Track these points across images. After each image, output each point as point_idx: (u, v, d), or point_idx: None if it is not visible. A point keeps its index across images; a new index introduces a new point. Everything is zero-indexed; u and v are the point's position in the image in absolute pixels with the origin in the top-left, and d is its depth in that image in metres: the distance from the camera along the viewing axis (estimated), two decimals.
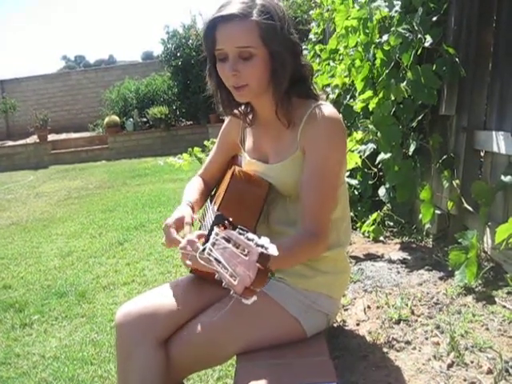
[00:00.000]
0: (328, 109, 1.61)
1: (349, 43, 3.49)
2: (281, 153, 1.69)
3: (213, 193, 2.01)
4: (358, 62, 3.35)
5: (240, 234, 1.08)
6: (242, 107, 1.76)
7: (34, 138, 14.42)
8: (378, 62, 3.08)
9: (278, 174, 1.70)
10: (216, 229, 1.19)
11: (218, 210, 1.64)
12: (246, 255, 1.02)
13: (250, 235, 1.06)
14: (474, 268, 2.24)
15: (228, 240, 1.10)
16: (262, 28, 1.50)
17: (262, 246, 1.02)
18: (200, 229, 1.86)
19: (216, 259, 1.11)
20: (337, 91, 3.99)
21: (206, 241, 1.20)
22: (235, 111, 1.76)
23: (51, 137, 14.47)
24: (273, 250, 1.02)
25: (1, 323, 3.37)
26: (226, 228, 1.20)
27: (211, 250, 1.14)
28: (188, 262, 1.51)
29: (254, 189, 1.71)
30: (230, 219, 1.20)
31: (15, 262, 4.72)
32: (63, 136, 15.24)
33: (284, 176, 1.68)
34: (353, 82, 3.74)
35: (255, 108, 1.75)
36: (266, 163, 1.74)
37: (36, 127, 13.87)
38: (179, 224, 1.68)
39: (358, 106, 3.38)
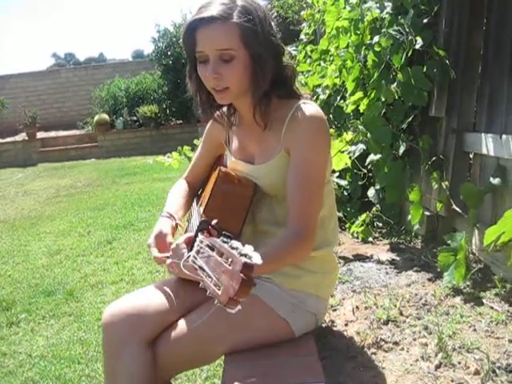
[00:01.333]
0: (310, 108, 1.61)
1: (340, 44, 3.50)
2: (266, 153, 1.69)
3: (199, 192, 2.00)
4: (349, 63, 3.36)
5: (224, 241, 1.07)
6: (225, 109, 1.76)
7: (22, 136, 14.33)
8: (369, 63, 3.09)
9: (263, 175, 1.69)
10: (200, 236, 1.18)
11: (203, 211, 1.63)
12: (229, 265, 1.01)
13: (234, 243, 1.05)
14: (462, 269, 2.25)
15: (212, 248, 1.09)
16: (242, 30, 1.49)
17: (246, 255, 1.01)
18: (187, 229, 1.86)
19: (200, 267, 1.10)
20: (327, 92, 4.00)
21: (191, 248, 1.20)
22: (216, 113, 1.75)
23: (40, 134, 14.38)
24: (256, 259, 1.01)
25: None
26: (210, 234, 1.19)
27: (195, 258, 1.14)
28: (171, 270, 1.52)
29: (239, 189, 1.70)
30: (215, 223, 1.20)
31: (2, 260, 4.69)
32: (52, 134, 15.14)
33: (269, 176, 1.68)
34: (343, 82, 3.75)
35: (237, 109, 1.74)
36: (252, 164, 1.73)
37: (25, 125, 13.77)
38: (160, 240, 1.69)
39: (348, 108, 3.38)
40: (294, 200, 1.57)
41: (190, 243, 1.41)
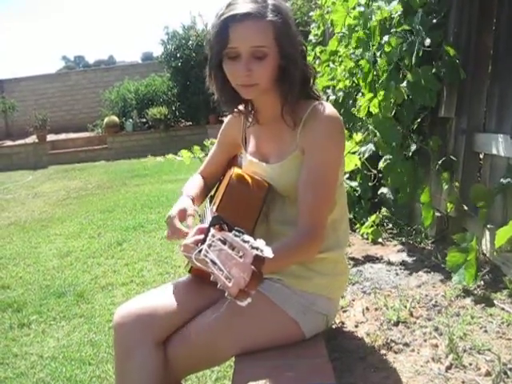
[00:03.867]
0: (327, 108, 1.62)
1: (352, 43, 3.47)
2: (281, 153, 1.69)
3: (212, 193, 2.01)
4: (363, 63, 3.32)
5: (236, 235, 1.08)
6: (243, 106, 1.76)
7: (33, 138, 14.40)
8: (380, 63, 3.08)
9: (277, 174, 1.70)
10: (212, 230, 1.19)
11: (216, 210, 1.63)
12: (240, 257, 1.02)
13: (246, 237, 1.06)
14: (472, 270, 2.24)
15: (224, 242, 1.11)
16: (276, 28, 1.51)
17: (257, 249, 1.02)
18: None
19: (212, 260, 1.11)
20: (340, 94, 3.97)
21: (203, 242, 1.20)
22: (239, 107, 1.76)
23: (50, 137, 14.46)
24: (268, 253, 1.02)
25: None
26: (222, 229, 1.20)
27: (207, 252, 1.14)
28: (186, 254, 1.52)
29: (253, 190, 1.71)
30: (227, 221, 1.20)
31: (14, 262, 4.71)
32: (62, 136, 15.23)
33: (283, 176, 1.68)
34: (353, 84, 3.74)
35: (257, 107, 1.74)
36: (267, 163, 1.74)
37: (35, 127, 13.84)
38: (182, 215, 1.69)
39: (361, 110, 3.33)
40: (305, 199, 1.58)
41: (201, 233, 1.41)
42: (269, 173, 1.72)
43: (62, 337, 3.07)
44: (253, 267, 1.00)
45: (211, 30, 1.58)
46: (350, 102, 3.89)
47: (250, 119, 1.79)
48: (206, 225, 1.43)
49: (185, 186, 1.93)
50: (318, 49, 4.84)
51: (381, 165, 3.24)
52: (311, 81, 1.68)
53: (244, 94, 1.62)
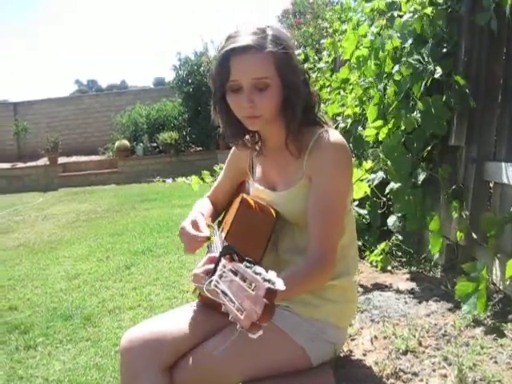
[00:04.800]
0: (333, 135, 1.62)
1: (365, 73, 3.49)
2: (288, 180, 1.70)
3: (220, 218, 2.01)
4: (372, 92, 3.35)
5: (247, 267, 1.08)
6: (249, 136, 1.77)
7: (44, 161, 14.55)
8: (389, 91, 3.10)
9: (285, 202, 1.70)
10: (223, 260, 1.19)
11: (225, 237, 1.63)
12: (253, 290, 1.02)
13: (258, 269, 1.06)
14: (483, 300, 2.22)
15: (235, 273, 1.10)
16: (276, 58, 1.51)
17: (269, 281, 1.01)
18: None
19: (223, 291, 1.11)
20: (349, 121, 4.00)
21: (213, 272, 1.20)
22: (244, 140, 1.77)
23: (61, 159, 14.59)
24: (279, 285, 1.02)
25: (5, 345, 3.35)
26: (233, 260, 1.19)
27: (218, 282, 1.14)
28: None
29: (262, 217, 1.71)
30: (238, 251, 1.20)
31: (22, 284, 4.71)
32: (73, 159, 15.35)
33: (291, 204, 1.68)
34: (363, 111, 3.75)
35: (263, 136, 1.75)
36: (274, 191, 1.74)
37: (47, 150, 14.00)
38: (195, 227, 1.67)
39: (369, 133, 3.36)
40: (314, 227, 1.58)
41: (211, 263, 1.41)
42: (276, 200, 1.72)
43: (68, 360, 3.05)
44: (265, 300, 0.99)
45: (212, 64, 1.60)
46: (359, 127, 3.91)
47: (257, 148, 1.80)
48: (215, 254, 1.42)
49: (195, 205, 1.94)
50: (328, 76, 4.87)
51: (388, 190, 3.24)
52: (316, 107, 1.68)
53: (249, 126, 1.63)
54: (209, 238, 1.62)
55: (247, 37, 1.51)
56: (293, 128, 1.61)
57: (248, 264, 1.09)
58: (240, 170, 1.95)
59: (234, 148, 1.95)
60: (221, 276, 1.14)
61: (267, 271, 1.05)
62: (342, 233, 1.68)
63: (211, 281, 1.17)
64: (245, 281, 1.05)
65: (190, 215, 1.76)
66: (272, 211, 1.72)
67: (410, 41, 2.98)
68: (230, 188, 2.02)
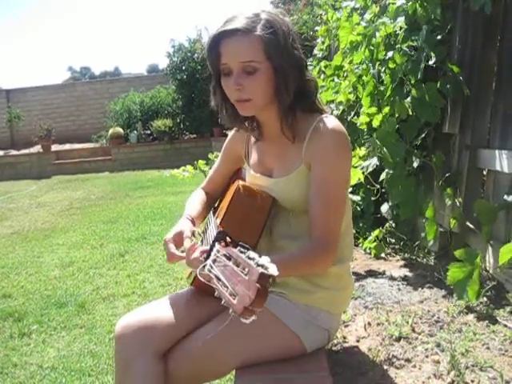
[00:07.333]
0: (332, 122, 1.62)
1: (354, 59, 3.50)
2: (285, 167, 1.69)
3: (216, 205, 2.01)
4: (365, 78, 3.35)
5: (241, 252, 1.08)
6: (247, 122, 1.77)
7: (37, 148, 14.49)
8: (386, 79, 3.09)
9: (281, 189, 1.70)
10: (217, 245, 1.19)
11: (220, 224, 1.63)
12: (246, 274, 1.02)
13: (251, 254, 1.06)
14: (476, 287, 2.23)
15: (229, 258, 1.10)
16: (265, 42, 1.50)
17: (263, 266, 1.01)
18: (202, 242, 1.86)
19: (216, 276, 1.11)
20: (341, 108, 4.00)
21: (207, 257, 1.20)
22: (243, 124, 1.76)
23: (55, 147, 14.53)
24: (273, 270, 1.02)
25: None
26: (227, 245, 1.20)
27: (212, 267, 1.14)
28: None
29: (257, 203, 1.71)
30: (232, 237, 1.20)
31: (16, 271, 4.71)
32: (67, 146, 15.30)
33: (288, 190, 1.68)
34: (357, 98, 3.75)
35: (260, 122, 1.75)
36: (270, 177, 1.74)
37: (40, 137, 13.94)
38: (179, 239, 1.68)
39: (362, 119, 3.36)
40: (318, 213, 1.57)
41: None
42: (273, 187, 1.72)
43: (62, 347, 3.06)
44: (258, 285, 1.00)
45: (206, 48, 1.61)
46: (352, 113, 3.91)
47: (256, 135, 1.79)
48: (209, 241, 1.42)
49: (187, 203, 1.93)
50: (322, 63, 4.85)
51: (382, 177, 3.24)
52: (314, 94, 1.68)
53: (240, 111, 1.62)
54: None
55: (239, 20, 1.51)
56: (285, 113, 1.61)
57: (242, 249, 1.09)
58: (236, 157, 1.95)
59: (230, 134, 1.95)
60: (214, 261, 1.15)
61: (261, 256, 1.05)
62: (343, 218, 1.68)
63: (205, 265, 1.17)
64: (238, 266, 1.05)
65: (177, 225, 1.76)
66: (268, 197, 1.72)
67: (402, 18, 2.96)
68: (227, 175, 2.02)
